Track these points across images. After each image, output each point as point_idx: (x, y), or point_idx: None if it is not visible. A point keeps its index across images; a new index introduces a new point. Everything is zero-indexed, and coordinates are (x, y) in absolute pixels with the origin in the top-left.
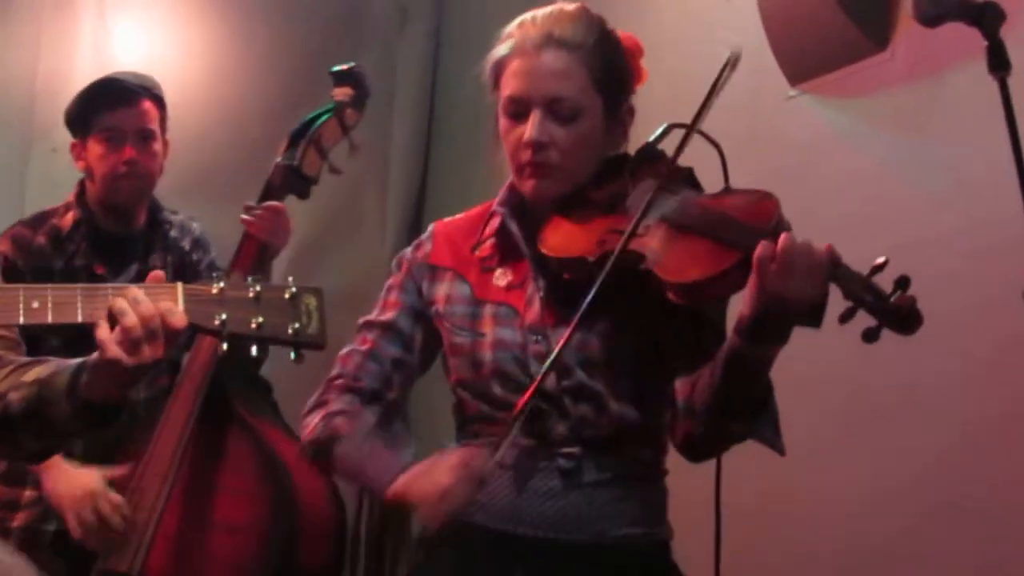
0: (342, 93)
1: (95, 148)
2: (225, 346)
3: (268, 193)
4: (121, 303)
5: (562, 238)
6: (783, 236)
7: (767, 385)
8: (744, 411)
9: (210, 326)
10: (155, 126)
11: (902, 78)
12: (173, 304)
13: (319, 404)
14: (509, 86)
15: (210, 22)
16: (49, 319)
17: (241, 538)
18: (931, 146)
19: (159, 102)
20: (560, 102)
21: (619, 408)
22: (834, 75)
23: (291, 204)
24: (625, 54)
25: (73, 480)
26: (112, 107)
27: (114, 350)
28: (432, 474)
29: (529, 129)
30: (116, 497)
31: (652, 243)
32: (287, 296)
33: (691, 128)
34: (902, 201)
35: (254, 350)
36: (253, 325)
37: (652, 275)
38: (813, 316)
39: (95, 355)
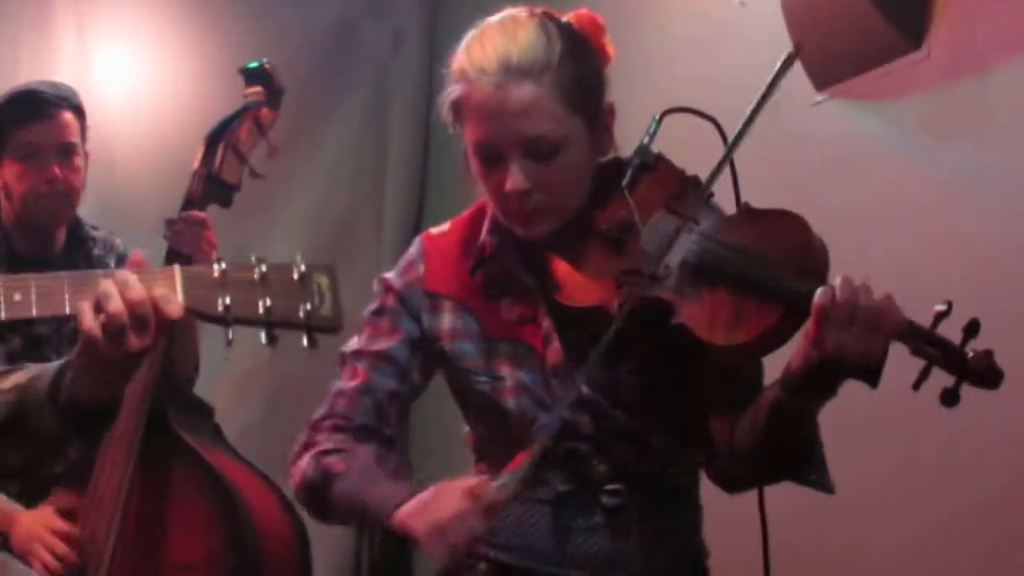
0: (253, 92)
1: (12, 167)
2: (229, 335)
3: (188, 204)
4: (107, 285)
5: (576, 284)
6: (843, 283)
7: (812, 428)
8: (789, 458)
9: (213, 312)
10: (76, 139)
11: (940, 78)
12: (170, 290)
13: (307, 446)
14: (475, 130)
15: (194, 49)
16: (34, 312)
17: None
18: (974, 150)
19: (79, 112)
20: (538, 141)
21: (661, 443)
22: (864, 77)
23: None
24: (590, 48)
25: (25, 526)
26: (29, 122)
27: (96, 337)
28: (437, 504)
29: (510, 180)
30: (63, 527)
31: (679, 297)
32: (296, 276)
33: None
34: (945, 210)
35: (263, 337)
36: (260, 309)
37: (687, 330)
38: (871, 374)
39: (77, 347)
